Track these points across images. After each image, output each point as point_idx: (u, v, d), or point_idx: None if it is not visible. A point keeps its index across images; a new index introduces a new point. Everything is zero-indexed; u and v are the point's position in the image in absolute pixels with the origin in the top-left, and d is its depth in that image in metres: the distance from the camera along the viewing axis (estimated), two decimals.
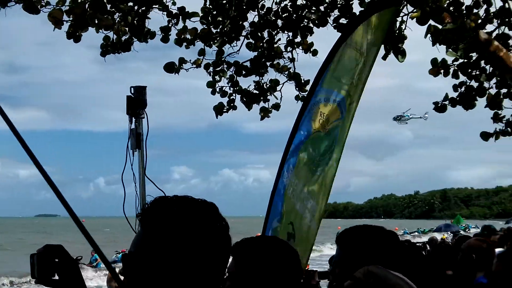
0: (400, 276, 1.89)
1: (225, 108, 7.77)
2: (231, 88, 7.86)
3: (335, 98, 4.24)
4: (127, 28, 7.33)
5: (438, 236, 33.66)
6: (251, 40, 7.83)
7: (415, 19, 5.83)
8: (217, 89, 7.80)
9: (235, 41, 7.47)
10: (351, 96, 4.18)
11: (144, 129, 4.33)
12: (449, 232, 48.52)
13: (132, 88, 4.30)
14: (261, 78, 7.89)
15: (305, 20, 7.76)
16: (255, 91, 7.89)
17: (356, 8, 7.40)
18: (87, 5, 6.20)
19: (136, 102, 4.27)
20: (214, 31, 7.34)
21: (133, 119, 4.32)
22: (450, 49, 6.54)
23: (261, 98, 7.90)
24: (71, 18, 6.52)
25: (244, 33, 7.67)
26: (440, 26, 6.05)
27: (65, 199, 1.99)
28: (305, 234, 4.05)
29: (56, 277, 1.98)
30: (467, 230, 56.67)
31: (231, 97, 7.86)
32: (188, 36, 7.18)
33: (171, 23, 7.39)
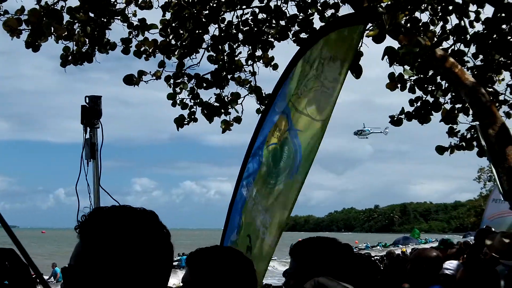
0: (351, 287, 1.90)
1: (186, 120, 7.75)
2: (192, 101, 7.85)
3: (284, 110, 4.25)
4: (87, 39, 7.28)
5: (398, 250, 33.88)
6: (212, 53, 7.84)
7: (371, 37, 5.92)
8: (178, 101, 7.79)
9: (195, 54, 7.48)
10: (296, 107, 4.17)
11: (99, 139, 4.29)
12: (409, 245, 49.00)
13: (87, 98, 4.26)
14: (222, 90, 7.90)
15: (266, 34, 7.81)
16: (216, 104, 7.90)
17: (317, 23, 7.48)
18: (43, 14, 6.13)
19: (91, 111, 4.22)
20: (173, 43, 7.33)
21: (88, 129, 4.27)
22: (407, 68, 6.66)
23: (222, 110, 7.91)
24: (29, 28, 6.46)
25: (204, 45, 7.68)
26: (396, 46, 6.16)
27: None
28: (260, 248, 4.05)
29: (6, 282, 1.92)
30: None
31: (192, 109, 7.85)
32: (148, 48, 7.15)
33: (131, 35, 7.37)
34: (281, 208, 3.92)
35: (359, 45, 6.80)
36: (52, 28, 6.23)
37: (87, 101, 4.25)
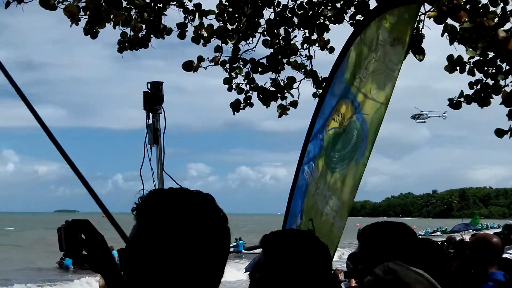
0: (421, 272, 1.87)
1: (242, 105, 7.77)
2: (248, 85, 7.87)
3: (348, 94, 4.22)
4: (143, 25, 7.37)
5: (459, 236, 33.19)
6: (267, 37, 7.82)
7: (432, 18, 5.81)
8: (234, 86, 7.81)
9: (251, 38, 7.47)
10: (361, 91, 4.14)
11: (161, 124, 4.36)
12: (470, 231, 47.98)
13: (149, 84, 4.33)
14: (277, 75, 7.88)
15: (321, 17, 7.73)
16: (271, 88, 7.89)
17: (373, 5, 7.37)
18: (102, 1, 6.23)
19: (153, 97, 4.28)
20: (230, 28, 7.34)
21: (150, 115, 4.34)
22: (469, 48, 6.50)
23: (278, 95, 7.90)
24: (87, 14, 6.57)
25: (260, 30, 7.67)
26: (457, 25, 6.02)
27: (95, 193, 1.98)
28: (327, 232, 4.04)
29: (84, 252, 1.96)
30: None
31: (248, 94, 7.86)
32: (205, 33, 7.19)
33: (187, 20, 7.41)
34: (348, 193, 3.92)
35: (420, 28, 6.70)
36: (111, 15, 6.32)
37: (149, 87, 4.32)
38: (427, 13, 6.37)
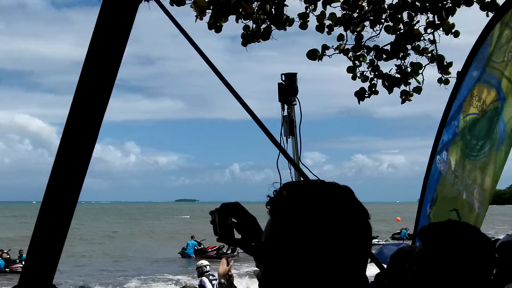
0: None
1: (367, 93, 7.66)
2: (372, 73, 7.74)
3: (489, 79, 4.06)
4: (265, 16, 7.42)
5: None
6: (390, 23, 7.65)
7: None
8: (358, 74, 7.71)
9: (378, 25, 7.34)
10: (505, 75, 3.98)
11: (296, 115, 4.37)
12: None
13: (283, 76, 4.36)
14: (403, 61, 7.71)
15: (446, 1, 7.47)
16: (396, 75, 7.73)
17: None
18: None
19: (288, 89, 4.30)
20: (354, 15, 7.25)
21: (285, 106, 4.35)
22: None
23: (403, 82, 7.72)
24: (214, 9, 6.70)
25: (383, 16, 7.52)
26: None
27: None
28: (474, 223, 3.90)
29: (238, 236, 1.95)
30: None
31: (372, 82, 7.74)
32: (329, 22, 7.14)
33: (308, 9, 7.38)
34: (490, 181, 3.78)
35: None
36: (240, 7, 6.41)
37: (283, 79, 4.35)
38: None
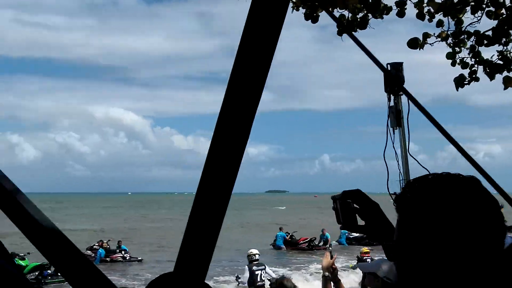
0: None
1: (467, 80, 7.49)
2: (472, 59, 7.56)
3: None
4: (362, 5, 7.38)
5: None
6: (491, 8, 7.45)
7: None
8: (457, 61, 7.55)
9: (480, 12, 7.16)
10: None
11: (404, 106, 4.32)
12: None
13: (388, 65, 4.31)
14: (505, 47, 7.48)
15: None
16: (499, 62, 7.51)
17: None
18: None
19: (394, 78, 4.27)
20: (455, 1, 7.11)
21: (392, 97, 4.32)
22: None
23: (505, 68, 7.50)
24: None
25: (484, 1, 7.32)
26: None
27: None
28: None
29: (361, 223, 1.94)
30: None
31: (473, 69, 7.56)
32: (430, 9, 7.03)
33: None
34: None
35: None
36: None
37: (389, 68, 4.31)
38: None
